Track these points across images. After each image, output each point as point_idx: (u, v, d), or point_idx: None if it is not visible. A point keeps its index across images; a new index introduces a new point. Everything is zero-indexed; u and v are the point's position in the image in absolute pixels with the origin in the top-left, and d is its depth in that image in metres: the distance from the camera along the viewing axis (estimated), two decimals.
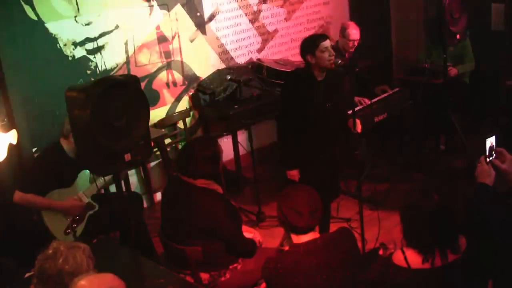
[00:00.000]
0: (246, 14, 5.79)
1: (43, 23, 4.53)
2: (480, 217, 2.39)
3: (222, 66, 5.69)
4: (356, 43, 5.09)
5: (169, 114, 5.38)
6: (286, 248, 2.77)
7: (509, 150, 2.55)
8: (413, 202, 2.31)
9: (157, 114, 5.24)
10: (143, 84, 5.05)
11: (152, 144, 4.27)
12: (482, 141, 2.47)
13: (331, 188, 4.14)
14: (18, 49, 4.41)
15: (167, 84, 5.36)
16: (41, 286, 2.34)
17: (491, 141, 2.48)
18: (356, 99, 4.93)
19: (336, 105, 3.97)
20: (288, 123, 3.98)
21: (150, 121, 3.39)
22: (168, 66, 5.33)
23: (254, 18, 5.85)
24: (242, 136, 5.58)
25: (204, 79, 5.54)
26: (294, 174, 3.97)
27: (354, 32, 5.06)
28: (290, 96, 3.96)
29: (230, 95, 5.42)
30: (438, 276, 2.24)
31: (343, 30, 5.13)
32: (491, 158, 2.47)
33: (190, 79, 5.50)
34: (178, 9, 5.30)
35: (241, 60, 5.83)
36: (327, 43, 3.82)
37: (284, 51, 6.12)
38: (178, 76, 5.42)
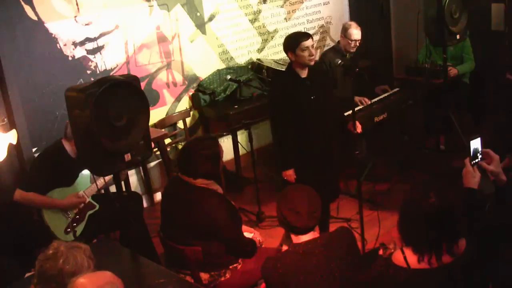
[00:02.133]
0: (246, 14, 5.79)
1: (43, 23, 4.53)
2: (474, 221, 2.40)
3: (222, 66, 5.69)
4: (358, 43, 5.09)
5: (169, 114, 5.38)
6: (286, 248, 2.77)
7: (509, 149, 2.55)
8: (410, 201, 2.32)
9: (157, 114, 5.24)
10: (143, 84, 5.05)
11: (152, 144, 4.27)
12: (466, 144, 2.49)
13: (329, 188, 4.14)
14: (18, 49, 4.41)
15: (167, 84, 5.37)
16: (42, 286, 2.35)
17: (475, 143, 2.51)
18: (356, 99, 4.94)
19: (323, 100, 4.00)
20: (280, 123, 4.00)
21: (150, 121, 3.39)
22: (168, 66, 5.33)
23: (254, 18, 5.85)
24: (242, 136, 5.58)
25: (204, 79, 5.54)
26: (289, 174, 3.98)
27: (356, 32, 5.06)
28: (277, 97, 4.00)
29: (230, 95, 5.43)
30: (438, 277, 2.24)
31: (345, 30, 5.13)
32: (476, 161, 2.49)
33: (190, 79, 5.50)
34: (178, 9, 5.30)
35: (241, 60, 5.83)
36: (308, 42, 3.87)
37: None
38: (178, 76, 5.42)
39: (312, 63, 3.92)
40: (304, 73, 3.96)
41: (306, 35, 3.94)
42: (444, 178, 4.77)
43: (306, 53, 3.85)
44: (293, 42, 3.90)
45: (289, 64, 4.03)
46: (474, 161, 2.49)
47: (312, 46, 3.89)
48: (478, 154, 2.50)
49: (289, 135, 3.97)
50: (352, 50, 5.12)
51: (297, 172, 3.99)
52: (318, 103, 3.98)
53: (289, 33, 6.02)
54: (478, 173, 2.47)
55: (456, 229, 2.25)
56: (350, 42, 5.06)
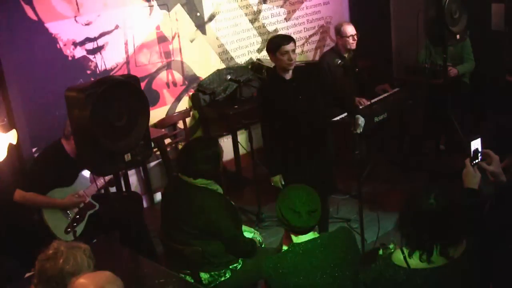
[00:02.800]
0: (246, 14, 5.79)
1: (43, 23, 4.53)
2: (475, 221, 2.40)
3: (222, 66, 5.69)
4: (356, 38, 5.09)
5: (169, 114, 5.38)
6: (286, 248, 2.77)
7: (508, 150, 2.56)
8: (410, 199, 2.33)
9: (157, 114, 5.24)
10: (143, 84, 5.05)
11: (152, 144, 4.27)
12: (467, 144, 2.49)
13: (322, 185, 4.14)
14: (18, 49, 4.41)
15: (167, 84, 5.37)
16: (42, 287, 2.35)
17: (475, 144, 2.51)
18: (356, 99, 4.94)
19: (312, 100, 3.99)
20: (269, 128, 3.97)
21: (150, 121, 3.39)
22: (168, 66, 5.33)
23: (254, 18, 5.85)
24: (242, 136, 5.58)
25: (204, 79, 5.54)
26: (277, 180, 3.96)
27: (350, 28, 5.07)
28: (264, 101, 3.99)
29: (230, 95, 5.43)
30: (438, 276, 2.24)
31: (339, 30, 5.14)
32: (476, 161, 2.49)
33: (190, 79, 5.50)
34: (178, 9, 5.30)
35: (241, 60, 5.83)
36: (289, 46, 3.86)
37: None
38: (178, 76, 5.42)
39: (291, 67, 3.89)
40: (288, 75, 3.94)
41: (288, 39, 3.92)
42: (444, 178, 4.80)
43: (285, 57, 3.84)
44: (274, 45, 3.91)
45: (274, 66, 4.04)
46: (474, 162, 2.50)
47: (293, 50, 3.87)
48: (479, 155, 2.51)
49: (277, 139, 3.95)
50: (352, 47, 5.11)
51: (287, 174, 3.97)
52: (306, 103, 3.97)
53: (289, 33, 6.12)
54: (478, 173, 2.48)
55: (452, 232, 2.24)
56: (348, 38, 5.06)
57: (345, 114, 4.59)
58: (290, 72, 3.93)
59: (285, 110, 3.90)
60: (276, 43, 3.90)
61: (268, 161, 4.05)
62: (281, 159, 3.96)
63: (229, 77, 5.39)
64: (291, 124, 3.92)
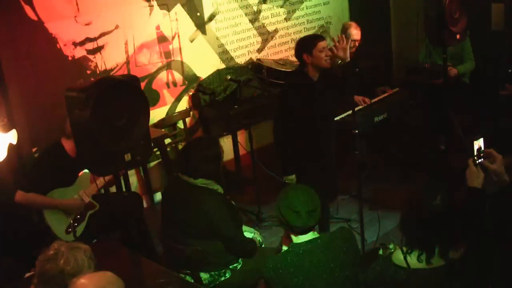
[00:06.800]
0: (246, 14, 5.79)
1: (43, 23, 4.53)
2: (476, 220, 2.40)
3: (222, 66, 5.69)
4: (357, 43, 5.09)
5: (169, 114, 5.38)
6: (286, 248, 2.77)
7: (508, 151, 2.55)
8: (416, 198, 2.32)
9: (157, 114, 5.24)
10: (143, 84, 5.05)
11: (152, 144, 4.27)
12: (470, 144, 2.49)
13: (330, 188, 4.13)
14: (18, 49, 4.41)
15: (167, 84, 5.37)
16: (42, 287, 2.34)
17: (478, 143, 2.51)
18: (357, 98, 4.93)
19: (331, 101, 3.98)
20: (290, 130, 3.93)
21: (150, 121, 3.38)
22: (168, 66, 5.33)
23: (254, 18, 5.85)
24: (242, 136, 5.58)
25: (204, 79, 5.54)
26: (292, 179, 3.96)
27: (356, 33, 5.06)
28: (293, 103, 3.91)
29: (230, 95, 5.42)
30: (438, 276, 2.24)
31: (345, 30, 5.13)
32: (479, 160, 2.49)
33: (190, 79, 5.50)
34: (178, 9, 5.30)
35: (241, 60, 5.83)
36: (324, 43, 3.85)
37: (284, 51, 6.12)
38: (178, 76, 5.42)
39: (329, 64, 3.84)
40: (316, 76, 3.89)
41: (321, 36, 3.91)
42: (444, 178, 4.79)
43: (323, 54, 3.79)
44: (309, 43, 3.84)
45: (300, 67, 3.93)
46: (477, 161, 2.49)
47: (327, 47, 3.85)
48: (481, 154, 2.51)
49: (296, 140, 3.93)
50: (351, 51, 5.09)
51: (299, 174, 3.97)
52: (327, 105, 3.95)
53: (289, 33, 6.13)
54: (481, 173, 2.47)
55: (453, 235, 2.24)
56: (350, 42, 5.05)
57: (345, 114, 4.59)
58: (319, 73, 3.88)
59: (309, 111, 3.86)
60: (311, 41, 3.84)
61: (284, 161, 4.00)
62: (296, 159, 3.94)
63: (229, 77, 5.38)
64: (312, 125, 3.89)
